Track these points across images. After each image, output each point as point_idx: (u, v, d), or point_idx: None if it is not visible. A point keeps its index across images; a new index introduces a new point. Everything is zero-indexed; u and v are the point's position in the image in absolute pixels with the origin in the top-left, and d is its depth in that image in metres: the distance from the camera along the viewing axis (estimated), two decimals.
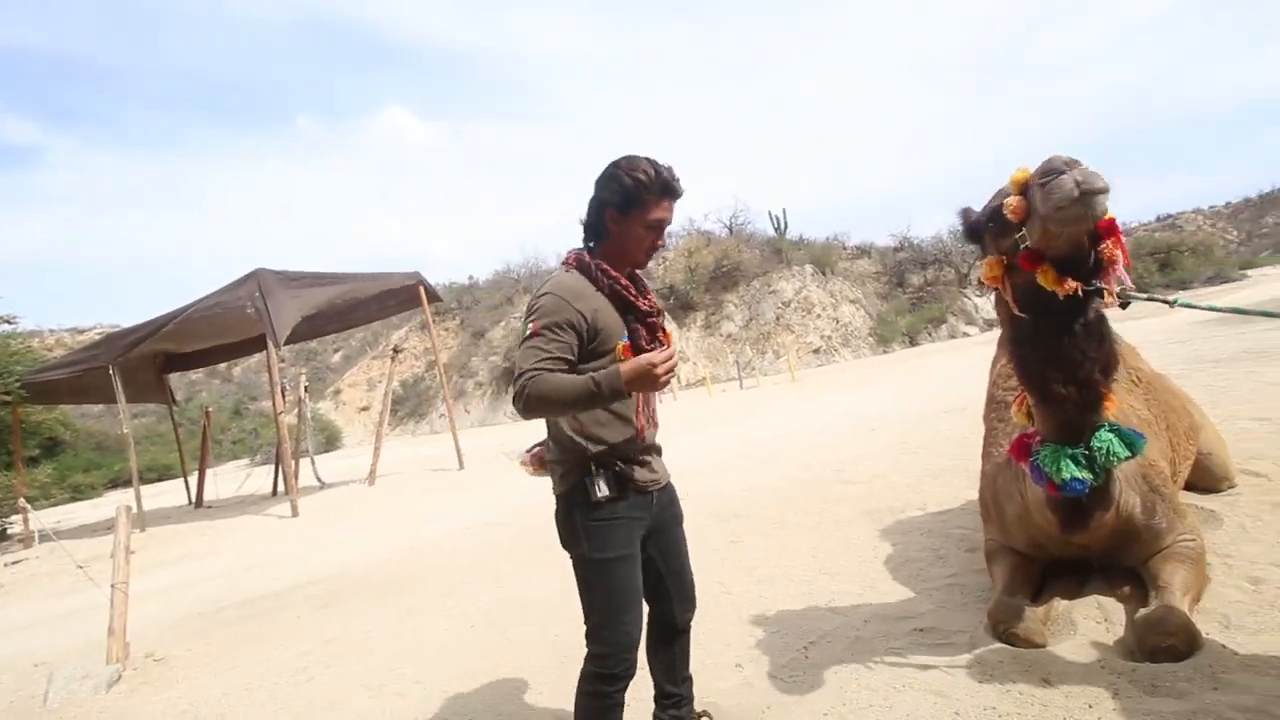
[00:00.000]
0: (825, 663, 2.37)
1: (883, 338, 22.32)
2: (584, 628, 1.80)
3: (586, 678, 1.77)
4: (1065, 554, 2.48)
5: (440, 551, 5.48)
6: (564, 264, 1.84)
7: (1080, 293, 1.85)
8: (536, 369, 1.62)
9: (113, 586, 3.91)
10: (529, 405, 1.62)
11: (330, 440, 23.63)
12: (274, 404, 10.00)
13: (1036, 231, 1.84)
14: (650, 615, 1.95)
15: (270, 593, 5.14)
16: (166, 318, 9.53)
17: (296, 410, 12.64)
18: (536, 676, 2.77)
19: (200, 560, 7.29)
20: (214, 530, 9.07)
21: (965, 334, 22.05)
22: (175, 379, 14.57)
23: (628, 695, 1.79)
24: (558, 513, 1.83)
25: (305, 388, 14.33)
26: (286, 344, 9.42)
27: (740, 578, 3.46)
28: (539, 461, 1.96)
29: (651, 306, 1.84)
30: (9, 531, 11.56)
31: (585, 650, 1.79)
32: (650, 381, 1.61)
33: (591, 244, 1.84)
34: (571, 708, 1.81)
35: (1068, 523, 2.16)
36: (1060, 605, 2.38)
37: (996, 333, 2.72)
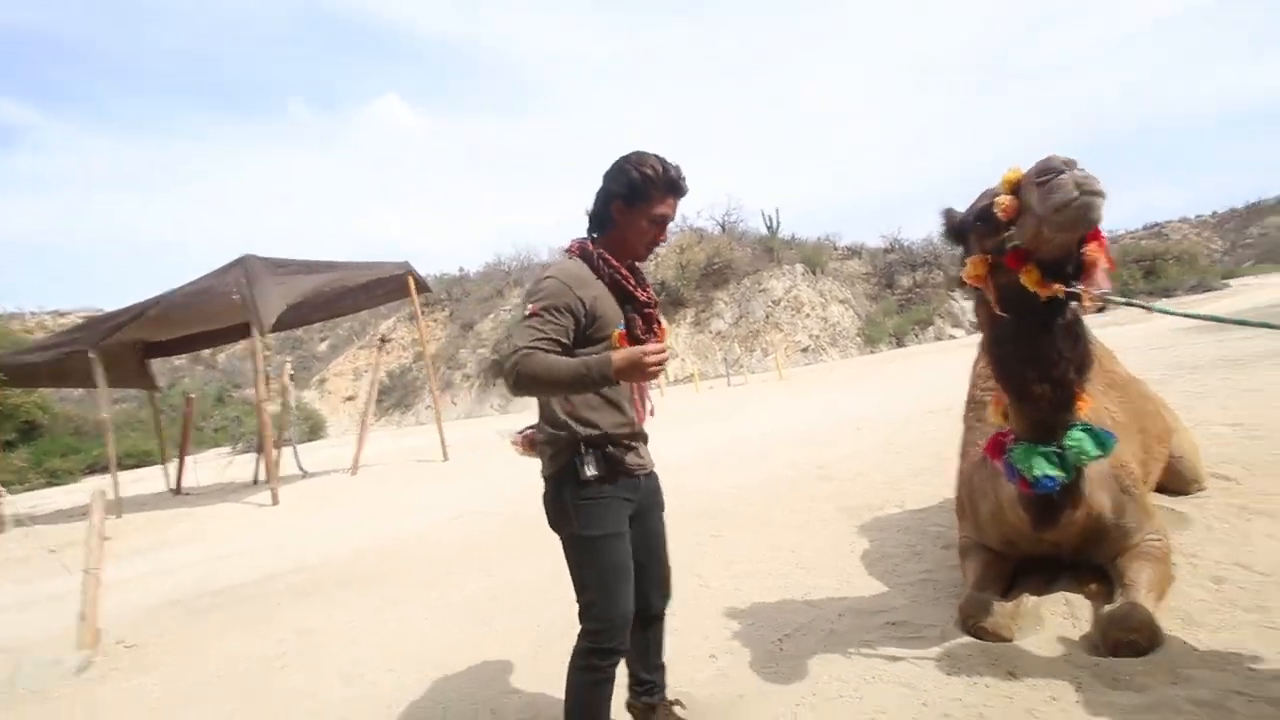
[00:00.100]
0: (799, 655, 2.41)
1: (870, 338, 22.46)
2: (573, 609, 1.83)
3: (580, 654, 1.80)
4: (1037, 551, 2.53)
5: (425, 542, 5.46)
6: (567, 251, 1.89)
7: (1062, 294, 1.87)
8: (530, 347, 1.66)
9: (85, 572, 3.87)
10: (519, 382, 1.65)
11: (314, 429, 23.37)
12: (257, 391, 9.90)
13: (1028, 231, 1.84)
14: None
15: (249, 581, 5.10)
16: (150, 302, 9.39)
17: (280, 399, 12.53)
18: (516, 664, 2.78)
19: (178, 547, 7.21)
20: (193, 517, 8.96)
21: (951, 336, 22.23)
22: (158, 365, 14.39)
23: None
24: (546, 494, 1.86)
25: (290, 376, 14.21)
26: (272, 331, 9.32)
27: (719, 572, 3.49)
28: (530, 443, 1.98)
29: (649, 298, 1.89)
30: None
31: (569, 636, 1.81)
32: (640, 371, 1.64)
33: (595, 234, 1.89)
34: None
35: (1039, 519, 2.20)
36: (1029, 601, 2.42)
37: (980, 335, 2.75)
